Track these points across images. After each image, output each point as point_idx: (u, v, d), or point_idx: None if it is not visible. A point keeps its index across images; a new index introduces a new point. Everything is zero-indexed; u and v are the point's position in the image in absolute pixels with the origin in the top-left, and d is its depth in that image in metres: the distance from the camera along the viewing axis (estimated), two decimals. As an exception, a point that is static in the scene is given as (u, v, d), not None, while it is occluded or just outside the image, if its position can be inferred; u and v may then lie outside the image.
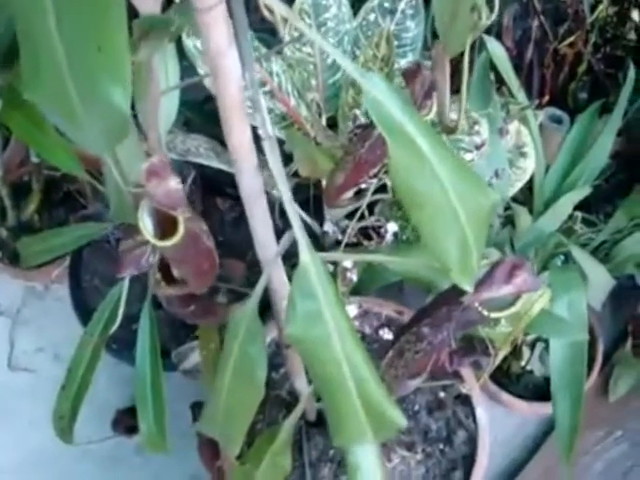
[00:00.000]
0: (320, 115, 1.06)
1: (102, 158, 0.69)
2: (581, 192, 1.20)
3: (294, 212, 0.51)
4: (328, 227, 1.01)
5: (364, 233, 1.03)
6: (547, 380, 1.28)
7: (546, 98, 1.35)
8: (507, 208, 1.18)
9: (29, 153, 1.34)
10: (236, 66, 0.45)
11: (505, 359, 1.27)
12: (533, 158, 1.09)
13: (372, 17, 1.09)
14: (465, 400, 1.05)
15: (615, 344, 1.40)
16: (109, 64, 0.38)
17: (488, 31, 1.10)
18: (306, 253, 0.52)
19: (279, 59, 1.02)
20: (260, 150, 0.55)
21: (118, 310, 0.93)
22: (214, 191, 1.44)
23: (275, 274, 0.65)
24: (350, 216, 1.11)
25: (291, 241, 0.58)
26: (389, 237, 0.93)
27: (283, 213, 0.66)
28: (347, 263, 0.89)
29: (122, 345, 1.28)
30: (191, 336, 1.13)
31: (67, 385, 1.00)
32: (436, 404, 1.04)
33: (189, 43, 0.97)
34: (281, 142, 0.81)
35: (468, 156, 0.93)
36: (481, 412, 1.02)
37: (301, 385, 0.85)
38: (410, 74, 0.66)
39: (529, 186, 1.20)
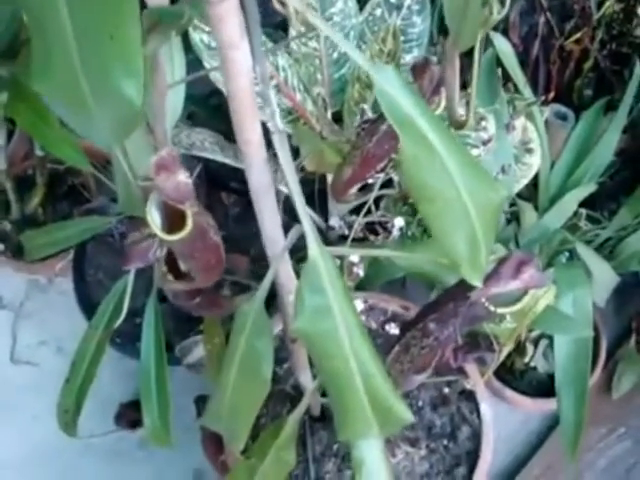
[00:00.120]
0: (326, 109, 1.06)
1: (111, 151, 0.69)
2: (586, 189, 1.20)
3: (303, 206, 0.51)
4: (334, 222, 1.01)
5: (370, 228, 1.03)
6: (550, 376, 1.29)
7: (551, 94, 1.35)
8: (512, 204, 1.18)
9: (33, 146, 1.34)
10: (247, 59, 0.45)
11: (509, 355, 1.27)
12: (539, 154, 1.09)
13: (378, 12, 1.09)
14: (469, 396, 1.04)
15: (618, 341, 1.40)
16: (122, 54, 0.38)
17: (495, 27, 1.10)
18: (315, 247, 0.51)
19: (285, 54, 1.02)
20: (267, 145, 0.55)
21: (123, 304, 0.93)
22: (218, 185, 1.44)
23: (282, 268, 0.65)
24: (354, 211, 1.11)
25: (298, 235, 0.58)
26: (395, 232, 0.93)
27: (287, 209, 0.66)
28: (354, 258, 0.89)
29: (126, 339, 1.28)
30: (195, 330, 1.13)
31: (71, 379, 1.00)
32: (440, 400, 1.04)
33: (195, 37, 0.96)
34: (287, 137, 0.81)
35: (475, 152, 0.93)
36: (485, 408, 1.02)
37: (306, 380, 0.85)
38: (419, 69, 0.66)
39: (534, 182, 1.20)
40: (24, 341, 1.50)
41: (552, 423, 1.34)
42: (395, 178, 0.91)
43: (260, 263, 1.23)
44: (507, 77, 1.17)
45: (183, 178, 0.54)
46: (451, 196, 0.49)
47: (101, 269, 1.42)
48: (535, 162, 1.08)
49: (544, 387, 1.31)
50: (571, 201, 1.18)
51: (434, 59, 0.74)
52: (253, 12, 0.44)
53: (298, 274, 0.67)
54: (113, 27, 0.37)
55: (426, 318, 0.69)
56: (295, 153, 0.92)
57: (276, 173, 0.62)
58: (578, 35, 1.30)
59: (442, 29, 1.26)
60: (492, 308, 0.64)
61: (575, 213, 1.19)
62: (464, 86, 0.92)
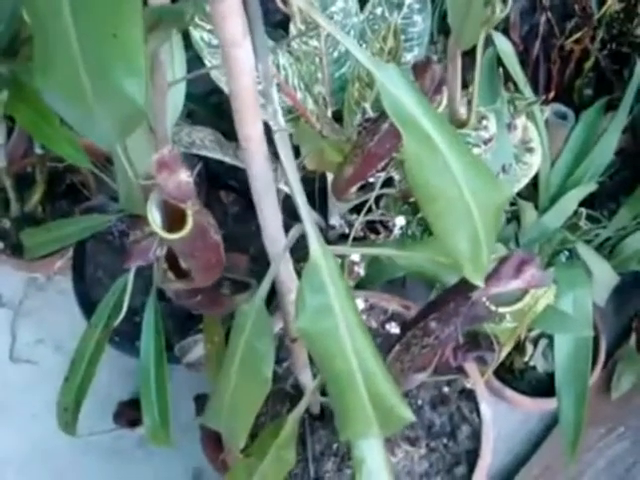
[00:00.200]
0: (326, 108, 1.06)
1: (112, 150, 0.68)
2: (586, 188, 1.20)
3: (305, 205, 0.51)
4: (335, 221, 1.01)
5: (370, 227, 1.03)
6: (550, 376, 1.29)
7: (552, 94, 1.35)
8: (512, 204, 1.18)
9: (33, 144, 1.34)
10: (250, 57, 0.45)
11: (508, 355, 1.27)
12: (539, 154, 1.09)
13: (379, 11, 1.09)
14: (469, 395, 1.04)
15: (618, 341, 1.40)
16: (124, 52, 0.38)
17: (495, 26, 1.09)
18: (317, 247, 0.51)
19: (286, 52, 1.02)
20: (268, 143, 0.54)
21: (123, 302, 0.93)
22: (217, 184, 1.44)
23: (283, 267, 0.65)
24: (354, 210, 1.11)
25: (299, 234, 0.58)
26: (396, 231, 0.93)
27: (287, 208, 0.66)
28: (355, 257, 0.89)
29: (124, 337, 1.27)
30: (195, 329, 1.13)
31: (70, 377, 1.00)
32: (440, 399, 1.04)
33: (196, 34, 0.96)
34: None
35: (475, 151, 0.93)
36: (485, 407, 1.02)
37: (306, 379, 0.85)
38: (420, 68, 0.66)
39: (534, 182, 1.20)
40: (23, 339, 1.50)
41: (551, 422, 1.34)
42: (396, 177, 0.91)
43: (260, 262, 1.23)
44: (507, 76, 1.17)
45: (184, 177, 0.54)
46: (454, 195, 0.48)
47: (100, 267, 1.42)
48: (535, 161, 1.08)
49: (543, 386, 1.31)
50: (571, 200, 1.18)
51: (435, 58, 0.74)
52: (256, 10, 0.43)
53: (297, 273, 0.67)
54: (116, 25, 0.37)
55: (427, 317, 0.69)
56: (295, 152, 0.92)
57: (276, 172, 0.62)
58: (578, 35, 1.30)
59: (442, 28, 1.26)
60: (493, 307, 0.64)
61: (575, 212, 1.19)
62: (465, 85, 0.92)
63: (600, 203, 1.31)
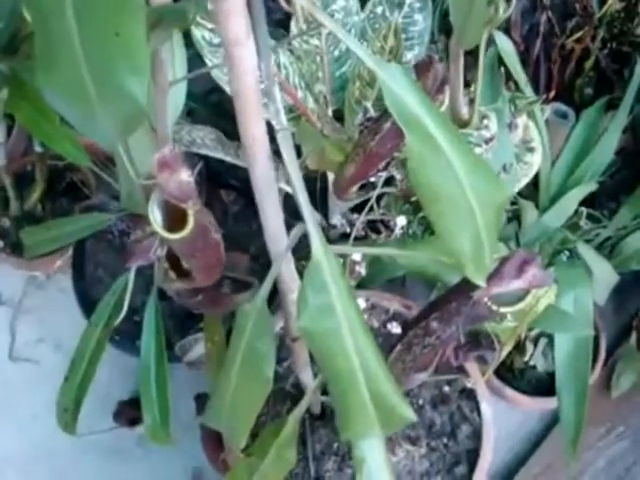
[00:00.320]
0: (327, 107, 1.06)
1: (114, 149, 0.68)
2: (587, 188, 1.20)
3: (307, 204, 0.51)
4: (336, 220, 1.01)
5: (371, 226, 1.03)
6: (550, 375, 1.29)
7: (552, 93, 1.35)
8: (513, 203, 1.18)
9: (32, 142, 1.34)
10: (253, 57, 0.45)
11: (509, 354, 1.27)
12: (540, 153, 1.09)
13: (379, 10, 1.09)
14: (469, 394, 1.04)
15: (617, 340, 1.40)
16: (127, 51, 0.38)
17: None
18: (319, 246, 0.51)
19: (287, 51, 1.02)
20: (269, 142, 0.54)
21: (123, 301, 0.93)
22: (218, 183, 1.44)
23: (285, 267, 0.65)
24: (354, 209, 1.11)
25: (301, 234, 0.58)
26: (398, 231, 0.93)
27: (287, 207, 0.66)
28: (356, 256, 0.88)
29: (124, 336, 1.27)
30: (195, 328, 1.13)
31: (70, 377, 0.99)
32: (440, 398, 1.04)
33: (197, 33, 0.96)
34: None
35: (477, 150, 0.93)
36: (486, 406, 1.02)
37: (306, 378, 0.85)
38: (422, 68, 0.66)
39: (534, 181, 1.20)
40: (23, 338, 1.50)
41: (551, 422, 1.34)
42: (397, 176, 0.91)
43: (260, 260, 1.23)
44: (508, 75, 1.17)
45: (185, 176, 0.54)
46: (456, 195, 0.48)
47: (100, 266, 1.42)
48: (536, 161, 1.08)
49: (543, 386, 1.31)
50: (572, 200, 1.18)
51: (437, 57, 0.74)
52: (259, 9, 0.43)
53: (298, 272, 0.67)
54: (118, 23, 0.37)
55: (428, 317, 0.69)
56: (296, 151, 0.92)
57: (276, 171, 0.62)
58: (579, 34, 1.30)
59: (443, 27, 1.26)
60: (495, 307, 0.64)
61: (576, 212, 1.19)
62: (466, 85, 0.92)
63: (600, 202, 1.31)
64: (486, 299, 0.63)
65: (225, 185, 1.46)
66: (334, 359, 0.55)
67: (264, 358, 0.61)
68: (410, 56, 1.08)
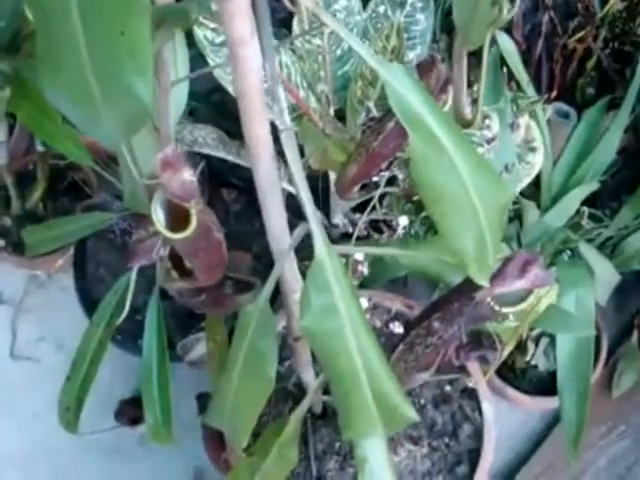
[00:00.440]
0: (328, 106, 1.06)
1: (117, 149, 0.68)
2: (588, 187, 1.20)
3: (310, 204, 0.51)
4: (338, 220, 1.01)
5: (373, 226, 1.03)
6: (551, 375, 1.29)
7: (554, 93, 1.35)
8: (515, 203, 1.18)
9: (34, 142, 1.34)
10: (257, 56, 0.45)
11: (510, 354, 1.27)
12: (542, 153, 1.09)
13: (382, 9, 1.09)
14: (471, 394, 1.04)
15: (619, 339, 1.40)
16: (132, 50, 0.37)
17: (498, 25, 1.09)
18: (322, 246, 0.51)
19: (289, 50, 1.02)
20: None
21: (125, 301, 0.93)
22: (219, 182, 1.44)
23: (288, 267, 0.65)
24: (357, 209, 1.11)
25: (304, 233, 0.58)
26: (400, 230, 0.93)
27: (290, 206, 0.66)
28: (358, 256, 0.88)
29: (126, 336, 1.27)
30: (197, 327, 1.13)
31: (72, 376, 0.99)
32: (442, 398, 1.04)
33: (200, 33, 0.96)
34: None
35: (479, 150, 0.93)
36: (487, 406, 1.02)
37: (308, 378, 0.85)
38: (425, 67, 0.66)
39: (536, 181, 1.20)
40: (24, 337, 1.50)
41: (552, 421, 1.34)
42: (399, 176, 0.91)
43: (262, 260, 1.23)
44: (510, 75, 1.16)
45: (188, 176, 0.54)
46: (459, 194, 0.48)
47: (102, 265, 1.42)
48: (538, 161, 1.08)
49: (545, 385, 1.31)
50: (573, 199, 1.18)
51: (439, 57, 0.73)
52: (264, 9, 0.43)
53: (301, 272, 0.67)
54: (124, 23, 0.36)
55: (431, 317, 0.69)
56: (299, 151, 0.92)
57: (279, 171, 0.62)
58: (581, 34, 1.30)
59: (445, 26, 1.26)
60: (497, 307, 0.64)
61: (577, 212, 1.19)
62: (468, 84, 0.92)
63: (602, 202, 1.31)
64: (489, 299, 0.63)
65: (227, 184, 1.46)
66: (337, 359, 0.55)
67: (266, 358, 0.61)
68: (412, 55, 1.08)
